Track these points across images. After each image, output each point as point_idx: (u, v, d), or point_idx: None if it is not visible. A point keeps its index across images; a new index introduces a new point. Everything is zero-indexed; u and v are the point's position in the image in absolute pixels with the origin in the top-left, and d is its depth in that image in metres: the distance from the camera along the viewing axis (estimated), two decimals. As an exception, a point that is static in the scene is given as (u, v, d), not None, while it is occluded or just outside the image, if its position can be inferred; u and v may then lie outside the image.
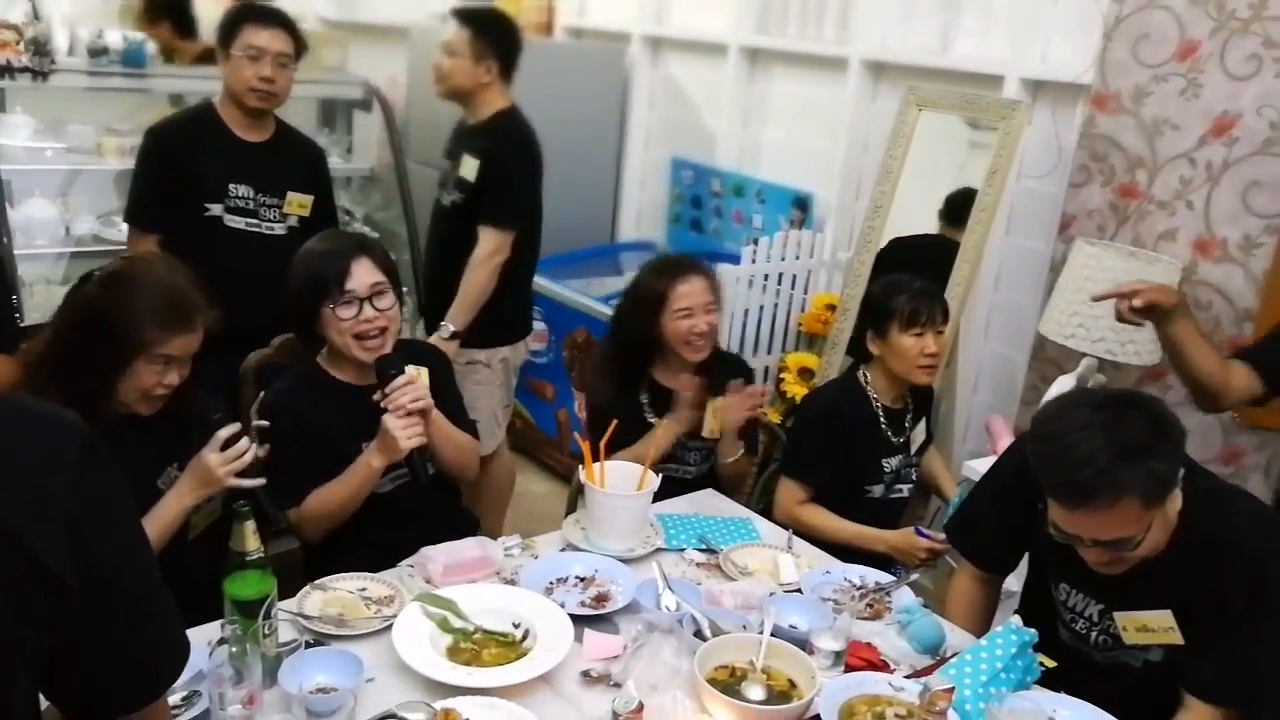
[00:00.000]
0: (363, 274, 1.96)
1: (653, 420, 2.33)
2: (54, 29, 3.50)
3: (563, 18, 4.74)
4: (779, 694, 1.56)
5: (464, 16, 2.88)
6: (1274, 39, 2.52)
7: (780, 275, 3.50)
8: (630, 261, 4.42)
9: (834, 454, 2.28)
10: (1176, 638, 1.57)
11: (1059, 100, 3.06)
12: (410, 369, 2.00)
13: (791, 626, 1.71)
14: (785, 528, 2.17)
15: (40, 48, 3.14)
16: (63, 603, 0.74)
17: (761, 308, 3.50)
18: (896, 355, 2.26)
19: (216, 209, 2.59)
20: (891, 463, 2.34)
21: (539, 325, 4.02)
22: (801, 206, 3.75)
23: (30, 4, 3.78)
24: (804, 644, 1.66)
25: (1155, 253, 2.73)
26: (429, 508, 2.08)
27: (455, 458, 2.11)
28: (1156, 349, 2.37)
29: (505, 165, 2.89)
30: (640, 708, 1.11)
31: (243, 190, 2.61)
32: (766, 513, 2.31)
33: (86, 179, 3.35)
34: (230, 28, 2.59)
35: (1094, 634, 1.68)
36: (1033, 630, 1.62)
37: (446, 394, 2.13)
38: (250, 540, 1.47)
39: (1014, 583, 2.02)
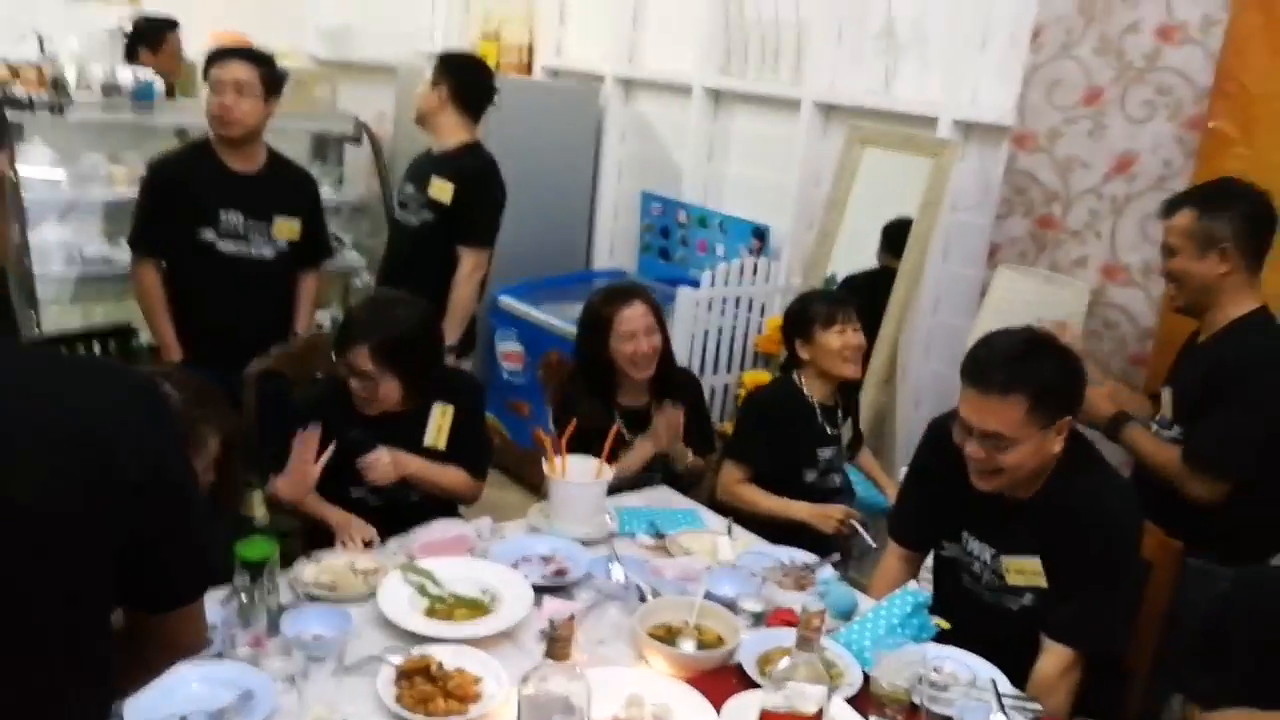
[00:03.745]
0: (360, 361, 2.20)
1: (629, 439, 2.56)
2: (65, 66, 3.79)
3: (541, 58, 5.06)
4: (707, 646, 1.82)
5: (439, 55, 3.17)
6: (1165, 86, 2.85)
7: (738, 299, 3.80)
8: (603, 287, 4.71)
9: (771, 440, 2.56)
10: (1043, 581, 1.86)
11: (986, 140, 3.38)
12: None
13: (722, 593, 1.98)
14: (724, 509, 2.45)
15: (60, 85, 3.42)
16: (135, 504, 1.00)
17: (720, 329, 3.79)
18: (823, 352, 2.55)
19: (209, 235, 2.83)
20: (825, 452, 2.62)
21: (515, 346, 4.31)
22: (760, 236, 4.04)
23: (38, 40, 4.08)
24: (733, 607, 1.93)
25: (1069, 277, 3.04)
26: (417, 516, 2.27)
27: (446, 492, 2.36)
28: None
29: (483, 188, 3.19)
30: (572, 618, 1.36)
31: (233, 217, 2.84)
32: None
33: (96, 207, 3.62)
34: (205, 69, 2.87)
35: (985, 574, 1.97)
36: (927, 592, 1.91)
37: (468, 428, 2.38)
38: (258, 509, 1.73)
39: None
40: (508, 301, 4.25)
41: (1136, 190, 2.93)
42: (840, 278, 3.60)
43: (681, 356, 3.75)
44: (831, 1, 3.75)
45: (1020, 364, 1.78)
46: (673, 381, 2.63)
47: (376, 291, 2.43)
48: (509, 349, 4.32)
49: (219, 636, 1.67)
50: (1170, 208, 2.31)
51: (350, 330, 2.25)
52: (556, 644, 1.28)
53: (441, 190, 3.14)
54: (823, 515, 2.48)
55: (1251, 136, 2.68)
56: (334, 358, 2.29)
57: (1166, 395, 2.37)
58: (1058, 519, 1.84)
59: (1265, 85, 2.64)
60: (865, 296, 3.10)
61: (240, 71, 2.78)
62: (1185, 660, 1.74)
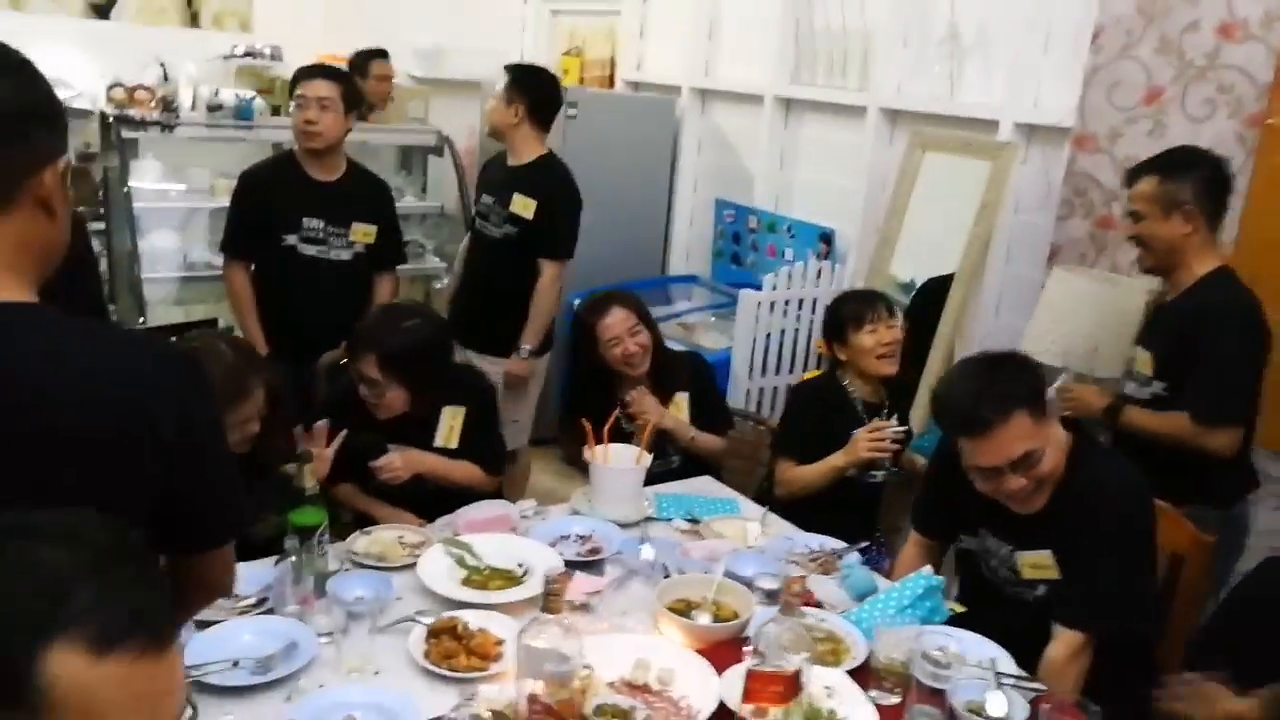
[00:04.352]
0: (368, 369, 2.33)
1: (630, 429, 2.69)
2: (180, 89, 4.13)
3: (622, 72, 5.22)
4: (723, 620, 1.91)
5: (508, 68, 3.34)
6: (1226, 84, 2.81)
7: (801, 301, 3.86)
8: (678, 292, 4.84)
9: (812, 433, 2.62)
10: (1055, 574, 1.90)
11: (1048, 141, 3.37)
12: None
13: (742, 573, 2.06)
14: (787, 504, 2.53)
15: (168, 105, 3.73)
16: (169, 460, 1.16)
17: (783, 331, 3.86)
18: (858, 352, 2.61)
19: (292, 239, 3.06)
20: None
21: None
22: (826, 240, 4.10)
23: (161, 67, 4.44)
24: (751, 586, 2.01)
25: (1126, 277, 3.01)
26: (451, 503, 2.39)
27: (459, 485, 2.45)
28: (1119, 363, 2.67)
29: (563, 204, 3.34)
30: (565, 574, 1.47)
31: (314, 223, 3.07)
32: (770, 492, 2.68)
33: (202, 215, 3.93)
34: (291, 87, 3.10)
35: (1003, 570, 2.00)
36: (940, 577, 1.95)
37: (479, 426, 2.51)
38: (309, 480, 1.90)
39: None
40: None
41: (1197, 189, 2.89)
42: (919, 283, 3.61)
43: (742, 356, 3.84)
44: (897, 9, 3.80)
45: (996, 387, 1.82)
46: (670, 367, 2.72)
47: (382, 306, 2.56)
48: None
49: (272, 594, 1.85)
50: (1133, 176, 2.43)
51: (361, 339, 2.38)
52: (549, 598, 1.39)
53: (525, 206, 3.29)
54: (859, 451, 2.53)
55: (1313, 132, 2.63)
56: (347, 364, 2.43)
57: (1144, 355, 2.46)
58: (1068, 511, 1.87)
59: (1326, 80, 2.59)
60: (941, 301, 3.14)
61: (322, 89, 2.99)
62: (1200, 639, 1.76)
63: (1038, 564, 1.91)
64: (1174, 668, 2.06)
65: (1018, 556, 1.95)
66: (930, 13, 3.73)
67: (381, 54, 4.95)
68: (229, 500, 1.27)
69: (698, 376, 2.85)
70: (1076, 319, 2.84)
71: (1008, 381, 1.83)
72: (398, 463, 2.35)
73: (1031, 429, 1.80)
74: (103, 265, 3.65)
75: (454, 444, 2.48)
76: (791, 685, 1.44)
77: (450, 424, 2.46)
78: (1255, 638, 1.66)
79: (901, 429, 2.60)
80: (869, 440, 2.53)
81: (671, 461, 2.77)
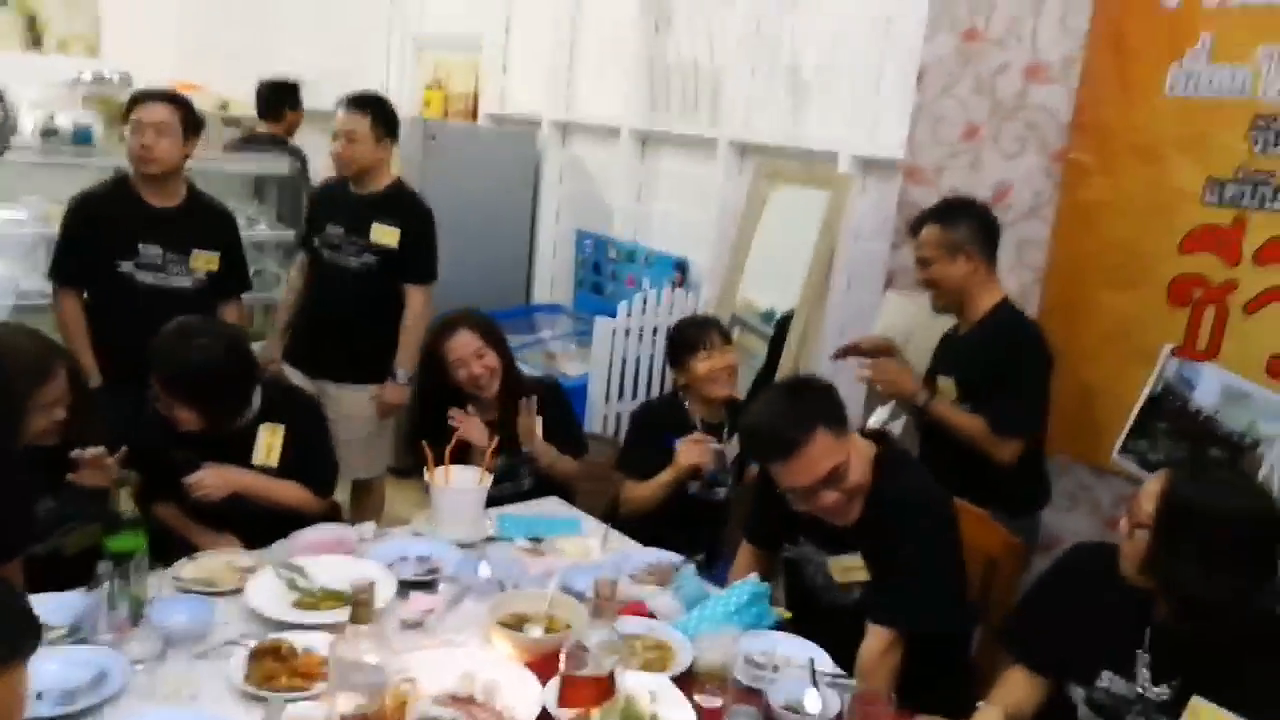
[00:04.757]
0: (157, 388, 2.30)
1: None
2: (21, 114, 3.98)
3: (485, 105, 5.27)
4: (553, 633, 1.93)
5: (361, 102, 3.28)
6: (1033, 122, 3.03)
7: (655, 329, 3.96)
8: (542, 320, 4.88)
9: (656, 451, 2.68)
10: (865, 576, 2.00)
11: (883, 174, 3.56)
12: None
13: (576, 587, 2.09)
14: (630, 522, 2.58)
15: (2, 128, 3.59)
16: None
17: (638, 358, 3.95)
18: (694, 377, 2.70)
19: (127, 266, 2.96)
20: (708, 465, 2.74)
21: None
22: (681, 270, 4.22)
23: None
24: (584, 600, 2.04)
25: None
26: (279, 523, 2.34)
27: (285, 507, 2.40)
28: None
29: (427, 229, 3.35)
30: (371, 584, 1.47)
31: (152, 250, 2.98)
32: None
33: (38, 243, 3.77)
34: (126, 111, 3.01)
35: (819, 576, 2.10)
36: (765, 584, 2.03)
37: (305, 445, 2.45)
38: (126, 503, 1.85)
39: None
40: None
41: (1011, 219, 3.09)
42: (779, 311, 3.73)
43: (598, 382, 3.91)
44: (744, 47, 3.96)
45: (795, 409, 1.94)
46: (521, 392, 2.74)
47: (180, 321, 2.38)
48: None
49: (84, 623, 1.79)
50: (916, 226, 2.68)
51: (150, 357, 2.30)
52: (358, 608, 1.40)
53: (388, 235, 3.26)
54: (675, 459, 2.63)
55: (1109, 166, 2.86)
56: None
57: (947, 383, 2.65)
58: (877, 517, 1.97)
59: (1119, 118, 2.82)
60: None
61: (159, 113, 2.92)
62: (1010, 621, 1.90)
63: (847, 567, 2.01)
64: (991, 667, 2.20)
65: (829, 561, 2.04)
66: (774, 51, 3.90)
67: (291, 91, 4.89)
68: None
69: (552, 401, 2.87)
70: (912, 340, 3.01)
71: (806, 403, 1.94)
72: (209, 479, 2.30)
73: (834, 444, 1.90)
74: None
75: (272, 462, 2.42)
76: (604, 688, 1.47)
77: (268, 441, 2.42)
78: (1063, 614, 1.78)
79: (719, 445, 2.68)
80: (687, 447, 2.62)
81: (523, 484, 2.78)
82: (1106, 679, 1.71)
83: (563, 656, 1.55)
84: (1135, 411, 2.75)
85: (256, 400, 2.43)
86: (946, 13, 3.17)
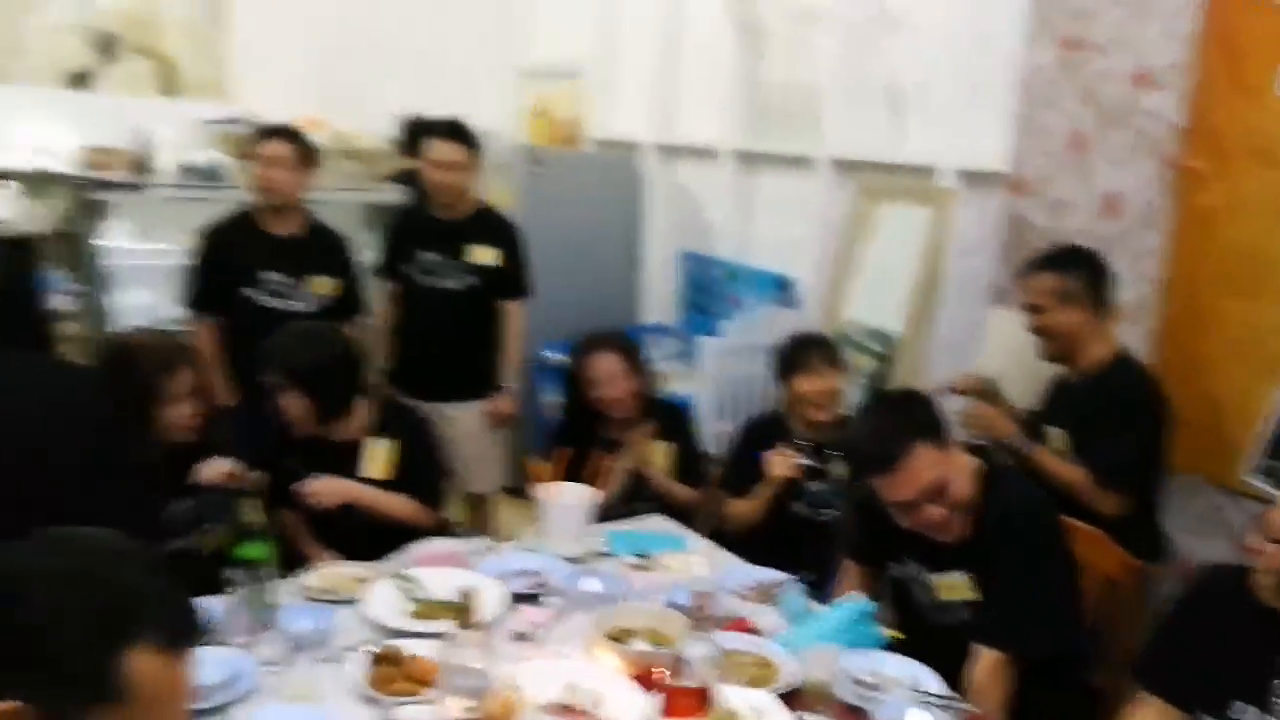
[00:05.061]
0: (274, 380, 2.46)
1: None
2: (158, 153, 4.27)
3: (587, 131, 5.39)
4: (658, 646, 1.96)
5: (453, 130, 3.41)
6: (1143, 130, 2.95)
7: (760, 347, 3.96)
8: (649, 341, 4.93)
9: (754, 467, 2.69)
10: (971, 595, 1.96)
11: (983, 187, 3.50)
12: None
13: (682, 603, 2.12)
14: (734, 539, 2.60)
15: (141, 166, 3.86)
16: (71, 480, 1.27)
17: (744, 377, 3.97)
18: (794, 396, 2.70)
19: (250, 291, 3.18)
20: (812, 485, 2.74)
21: (560, 397, 4.53)
22: (783, 288, 4.22)
23: (138, 133, 4.57)
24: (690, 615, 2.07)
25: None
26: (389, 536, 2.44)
27: (396, 519, 2.50)
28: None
29: (519, 244, 3.50)
30: (475, 593, 1.53)
31: (272, 276, 3.20)
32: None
33: (173, 273, 4.03)
34: (250, 147, 3.25)
35: (925, 595, 2.08)
36: (871, 602, 2.02)
37: (415, 459, 2.56)
38: (255, 514, 1.97)
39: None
40: (552, 356, 4.50)
41: (1123, 229, 3.01)
42: (887, 332, 3.68)
43: (708, 402, 3.94)
44: (843, 64, 3.96)
45: (893, 423, 1.93)
46: (655, 417, 2.79)
47: (299, 324, 2.68)
48: (553, 399, 4.55)
49: (220, 626, 1.91)
50: (1026, 271, 2.60)
51: (267, 351, 2.48)
52: (462, 614, 1.46)
53: (490, 255, 3.42)
54: (771, 466, 2.64)
55: (1224, 170, 2.76)
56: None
57: (1056, 432, 2.55)
58: (984, 535, 1.95)
59: (1232, 122, 2.72)
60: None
61: (277, 148, 3.16)
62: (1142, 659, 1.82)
63: (952, 586, 1.98)
64: (1117, 696, 2.12)
65: (932, 579, 2.02)
66: (873, 68, 3.89)
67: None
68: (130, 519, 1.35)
69: (675, 429, 2.90)
70: (1023, 356, 2.94)
71: (905, 416, 1.93)
72: (322, 487, 2.41)
73: (936, 458, 1.89)
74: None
75: (379, 475, 2.52)
76: (703, 699, 1.50)
77: (374, 453, 2.51)
78: (1193, 641, 1.69)
79: (806, 461, 2.67)
80: (773, 459, 2.62)
81: (642, 508, 2.78)
82: (1239, 709, 1.62)
83: (665, 668, 1.58)
84: (1270, 428, 2.63)
85: (364, 413, 2.54)
86: (1048, 23, 3.13)
